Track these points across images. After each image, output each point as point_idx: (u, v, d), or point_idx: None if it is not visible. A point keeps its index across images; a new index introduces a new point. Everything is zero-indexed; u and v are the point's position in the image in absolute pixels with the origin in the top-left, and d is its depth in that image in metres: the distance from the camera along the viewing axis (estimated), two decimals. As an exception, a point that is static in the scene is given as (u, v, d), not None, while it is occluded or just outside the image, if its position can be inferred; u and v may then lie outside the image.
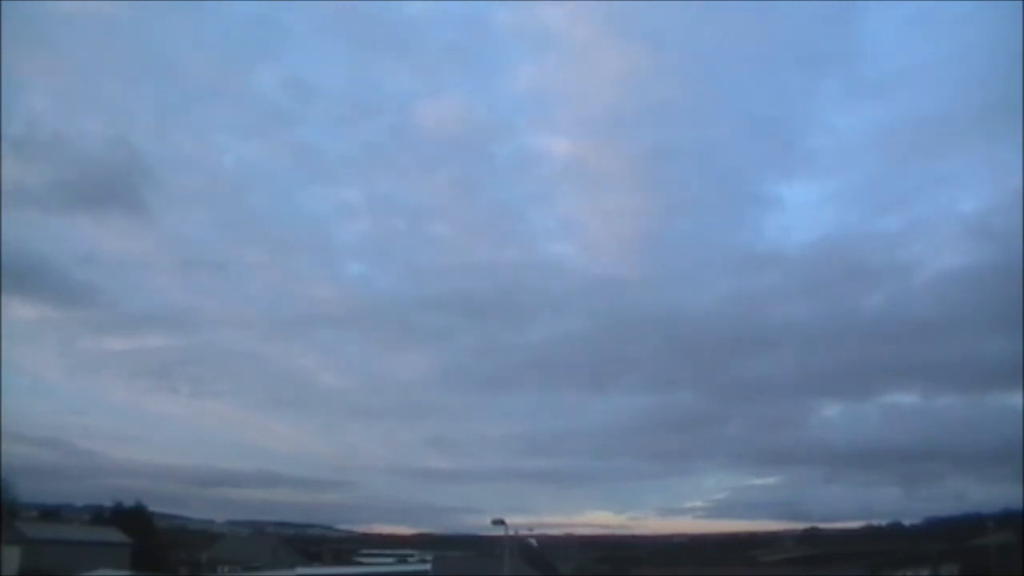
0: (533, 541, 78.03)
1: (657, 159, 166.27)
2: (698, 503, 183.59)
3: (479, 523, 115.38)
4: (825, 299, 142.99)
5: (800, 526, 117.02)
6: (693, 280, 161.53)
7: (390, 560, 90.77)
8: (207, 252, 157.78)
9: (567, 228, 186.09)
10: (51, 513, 79.91)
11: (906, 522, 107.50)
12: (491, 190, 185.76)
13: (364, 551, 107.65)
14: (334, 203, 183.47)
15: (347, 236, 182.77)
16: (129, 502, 74.79)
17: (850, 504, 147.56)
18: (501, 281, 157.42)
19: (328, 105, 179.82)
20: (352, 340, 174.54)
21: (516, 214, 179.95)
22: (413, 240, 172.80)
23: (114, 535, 64.87)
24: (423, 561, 74.81)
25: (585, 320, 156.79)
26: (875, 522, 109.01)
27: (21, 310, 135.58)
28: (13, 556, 53.77)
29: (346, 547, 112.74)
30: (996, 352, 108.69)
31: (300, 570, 67.44)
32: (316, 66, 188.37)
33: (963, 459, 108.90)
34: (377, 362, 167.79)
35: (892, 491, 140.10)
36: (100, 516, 75.33)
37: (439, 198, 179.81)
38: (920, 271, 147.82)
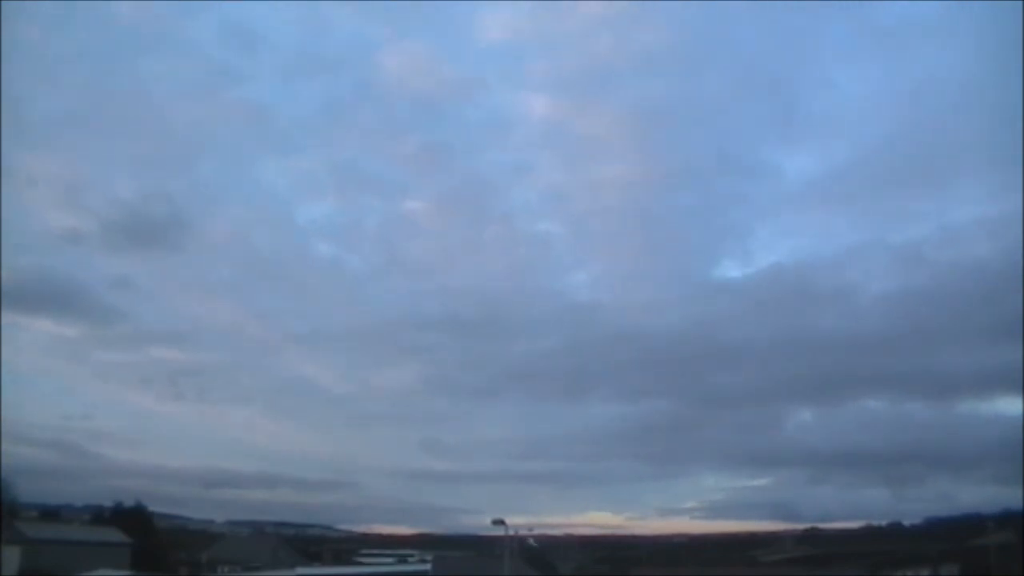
0: (533, 541, 78.05)
1: (645, 121, 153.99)
2: (692, 504, 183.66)
3: (479, 523, 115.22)
4: (798, 314, 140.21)
5: (800, 526, 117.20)
6: (671, 293, 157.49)
7: (390, 560, 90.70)
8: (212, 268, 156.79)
9: (550, 203, 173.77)
10: (51, 513, 79.85)
11: (906, 522, 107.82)
12: (465, 157, 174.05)
13: (364, 551, 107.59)
14: (295, 176, 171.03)
15: (313, 214, 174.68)
16: (129, 502, 74.91)
17: (837, 504, 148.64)
18: (488, 297, 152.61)
19: (275, 58, 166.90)
20: (349, 352, 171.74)
21: (494, 187, 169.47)
22: (385, 218, 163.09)
23: (114, 535, 64.89)
24: (423, 561, 74.74)
25: (569, 333, 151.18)
26: (875, 522, 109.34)
27: (45, 328, 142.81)
28: (13, 556, 53.78)
29: (346, 547, 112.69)
30: (958, 362, 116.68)
31: (300, 570, 67.46)
32: (258, 10, 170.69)
33: (937, 461, 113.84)
34: (374, 371, 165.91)
35: (879, 491, 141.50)
36: (100, 516, 75.30)
37: (409, 168, 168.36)
38: (915, 275, 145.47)
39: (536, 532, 78.49)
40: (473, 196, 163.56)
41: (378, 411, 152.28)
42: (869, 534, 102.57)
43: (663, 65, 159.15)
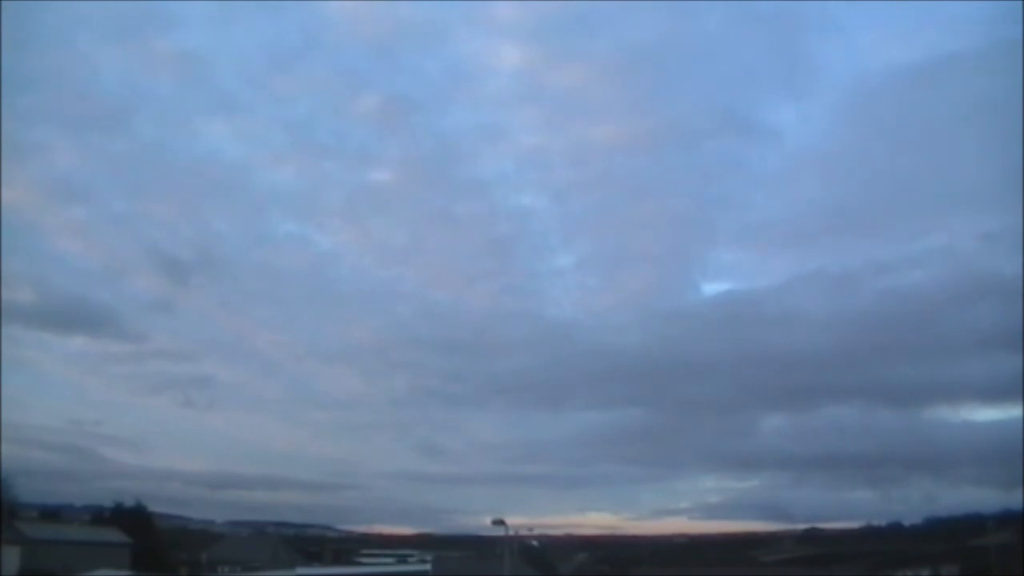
0: (534, 542, 78.12)
1: (630, 71, 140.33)
2: (687, 504, 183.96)
3: (479, 524, 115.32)
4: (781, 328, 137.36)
5: (800, 526, 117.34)
6: (652, 304, 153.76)
7: (390, 560, 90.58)
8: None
9: (529, 172, 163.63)
10: (51, 513, 79.71)
11: (906, 522, 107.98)
12: (430, 116, 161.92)
13: (364, 551, 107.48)
14: (246, 140, 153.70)
15: (275, 183, 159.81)
16: (129, 502, 74.78)
17: (834, 504, 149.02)
18: (475, 315, 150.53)
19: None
20: (348, 362, 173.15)
21: (465, 151, 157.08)
22: (351, 190, 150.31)
23: (114, 535, 64.85)
24: (423, 561, 74.64)
25: (554, 348, 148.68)
26: (875, 522, 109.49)
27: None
28: (13, 556, 53.79)
29: (346, 547, 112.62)
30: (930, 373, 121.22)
31: (300, 570, 67.33)
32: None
33: (917, 464, 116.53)
34: (372, 380, 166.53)
35: (873, 493, 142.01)
36: (100, 516, 75.21)
37: (370, 129, 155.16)
38: (914, 272, 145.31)
39: (536, 532, 78.64)
40: (442, 161, 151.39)
41: (377, 417, 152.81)
42: (869, 534, 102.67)
43: (648, 4, 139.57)
